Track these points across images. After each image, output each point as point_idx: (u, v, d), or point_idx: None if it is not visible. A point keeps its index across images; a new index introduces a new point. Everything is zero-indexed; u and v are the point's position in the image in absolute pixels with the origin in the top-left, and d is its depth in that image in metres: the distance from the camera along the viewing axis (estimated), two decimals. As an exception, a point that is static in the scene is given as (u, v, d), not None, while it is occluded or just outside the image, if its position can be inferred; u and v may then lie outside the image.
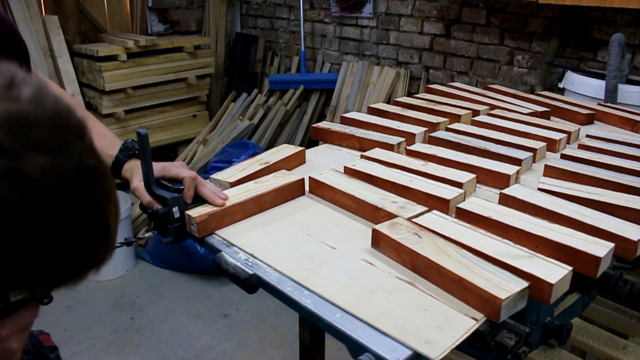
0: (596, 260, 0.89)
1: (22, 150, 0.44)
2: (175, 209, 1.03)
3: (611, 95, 2.10)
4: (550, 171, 1.28)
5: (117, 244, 0.60)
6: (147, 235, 1.08)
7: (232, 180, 1.21)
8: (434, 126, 1.57)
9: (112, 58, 3.56)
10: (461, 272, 0.83)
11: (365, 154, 1.36)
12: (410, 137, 1.49)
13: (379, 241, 0.97)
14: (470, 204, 1.07)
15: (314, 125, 1.61)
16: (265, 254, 0.98)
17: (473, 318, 0.80)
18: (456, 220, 1.02)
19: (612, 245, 0.92)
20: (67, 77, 3.56)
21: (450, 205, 1.09)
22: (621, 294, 1.08)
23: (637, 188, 1.16)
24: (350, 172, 1.25)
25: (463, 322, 0.79)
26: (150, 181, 1.03)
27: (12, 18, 3.31)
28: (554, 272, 0.84)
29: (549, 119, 1.75)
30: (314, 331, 1.47)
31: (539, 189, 1.16)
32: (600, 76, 2.26)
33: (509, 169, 1.25)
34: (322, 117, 4.07)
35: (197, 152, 3.85)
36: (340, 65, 3.94)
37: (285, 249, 1.00)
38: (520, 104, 1.83)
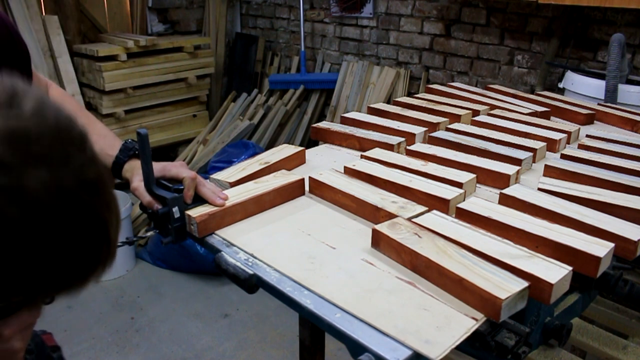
0: (596, 260, 0.89)
1: (24, 166, 0.45)
2: (175, 209, 1.03)
3: (611, 95, 2.10)
4: (550, 171, 1.28)
5: (119, 243, 0.60)
6: (149, 234, 1.08)
7: (232, 180, 1.21)
8: (434, 126, 1.57)
9: (112, 58, 3.56)
10: (461, 272, 0.83)
11: (365, 154, 1.36)
12: (410, 137, 1.49)
13: (379, 241, 0.97)
14: (470, 204, 1.07)
15: (314, 125, 1.61)
16: (265, 254, 0.98)
17: (473, 318, 0.80)
18: (456, 220, 1.02)
19: (612, 245, 0.92)
20: (67, 77, 3.56)
21: (450, 205, 1.09)
22: (621, 294, 1.08)
23: (637, 188, 1.16)
24: (350, 172, 1.25)
25: (463, 322, 0.79)
26: (150, 181, 1.03)
27: (12, 18, 3.31)
28: (554, 272, 0.84)
29: (549, 119, 1.75)
30: (314, 331, 1.47)
31: (539, 189, 1.16)
32: (600, 76, 2.26)
33: (509, 169, 1.25)
34: (322, 117, 4.07)
35: (197, 152, 3.85)
36: (340, 65, 3.94)
37: (285, 249, 1.00)
38: (520, 104, 1.83)
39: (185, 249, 2.86)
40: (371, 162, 1.30)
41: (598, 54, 2.72)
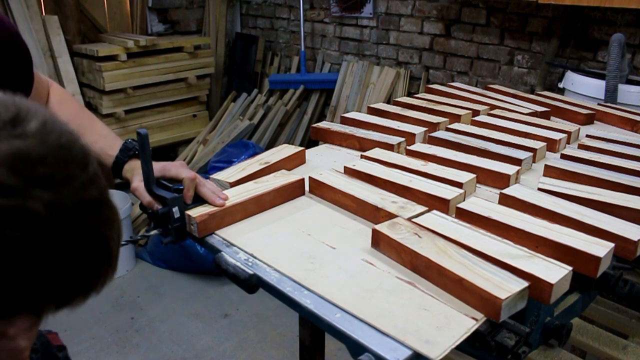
0: (596, 260, 0.89)
1: (26, 188, 0.46)
2: (175, 209, 1.03)
3: (611, 95, 2.10)
4: (550, 171, 1.28)
5: (123, 242, 0.61)
6: (152, 232, 1.08)
7: (232, 180, 1.21)
8: (434, 126, 1.57)
9: (112, 58, 3.56)
10: (461, 272, 0.83)
11: (365, 154, 1.36)
12: (410, 137, 1.49)
13: (379, 241, 0.97)
14: (470, 204, 1.07)
15: (314, 125, 1.61)
16: (265, 254, 0.98)
17: (473, 318, 0.80)
18: (456, 220, 1.02)
19: (612, 245, 0.92)
20: (67, 77, 3.56)
21: (450, 205, 1.09)
22: (621, 294, 1.08)
23: (637, 188, 1.16)
24: (350, 172, 1.25)
25: (463, 322, 0.79)
26: (150, 181, 1.03)
27: (12, 18, 3.31)
28: (554, 272, 0.84)
29: (549, 119, 1.75)
30: (314, 331, 1.47)
31: (539, 189, 1.16)
32: (600, 76, 2.26)
33: (509, 169, 1.25)
34: (322, 117, 4.07)
35: (197, 152, 3.85)
36: (340, 65, 3.94)
37: (285, 249, 1.00)
38: (520, 104, 1.83)
39: (185, 249, 2.86)
40: (371, 162, 1.30)
41: (598, 54, 2.72)
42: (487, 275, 0.83)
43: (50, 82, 1.19)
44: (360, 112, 1.73)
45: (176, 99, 4.00)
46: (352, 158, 1.42)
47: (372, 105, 1.76)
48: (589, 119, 1.78)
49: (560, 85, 2.48)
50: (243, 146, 3.29)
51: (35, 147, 0.47)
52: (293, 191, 1.20)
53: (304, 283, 0.89)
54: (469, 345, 0.81)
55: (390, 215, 1.04)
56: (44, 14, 3.57)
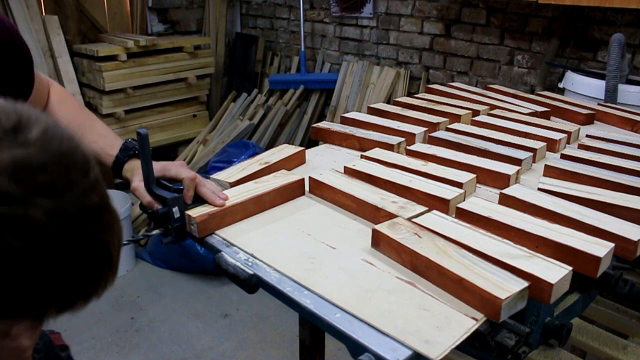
0: (596, 260, 0.89)
1: (28, 196, 0.46)
2: (175, 209, 1.03)
3: (611, 95, 2.10)
4: (550, 171, 1.28)
5: (125, 242, 0.61)
6: (154, 232, 1.07)
7: (232, 180, 1.21)
8: (434, 126, 1.57)
9: (112, 58, 3.56)
10: (461, 272, 0.83)
11: (365, 154, 1.36)
12: (410, 137, 1.49)
13: (379, 241, 0.97)
14: (470, 204, 1.07)
15: (314, 125, 1.61)
16: (265, 254, 0.98)
17: (473, 318, 0.80)
18: (456, 220, 1.02)
19: (612, 245, 0.92)
20: (67, 77, 3.56)
21: (450, 205, 1.09)
22: (621, 294, 1.08)
23: (637, 188, 1.16)
24: (350, 172, 1.25)
25: (463, 322, 0.79)
26: (150, 181, 1.03)
27: (12, 18, 3.31)
28: (554, 272, 0.84)
29: (549, 119, 1.75)
30: (314, 331, 1.47)
31: (539, 189, 1.16)
32: (600, 76, 2.26)
33: (509, 169, 1.25)
34: (322, 117, 4.07)
35: (197, 152, 3.85)
36: (340, 65, 3.94)
37: (285, 249, 1.00)
38: (520, 104, 1.83)
39: (185, 249, 2.86)
40: (371, 162, 1.30)
41: (598, 54, 2.72)
42: (487, 275, 0.83)
43: (51, 81, 1.19)
44: (360, 112, 1.73)
45: (176, 99, 4.00)
46: (352, 158, 1.42)
47: (372, 105, 1.76)
48: (589, 119, 1.78)
49: (560, 85, 2.48)
50: (243, 146, 3.29)
51: (36, 155, 0.48)
52: (293, 191, 1.20)
53: (304, 283, 0.89)
54: (469, 345, 0.81)
55: (390, 215, 1.04)
56: (44, 14, 3.57)
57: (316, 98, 4.02)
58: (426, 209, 1.07)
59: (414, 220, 1.01)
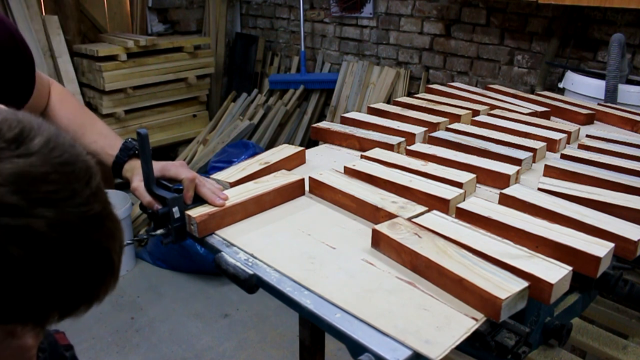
0: (596, 260, 0.89)
1: (30, 207, 0.46)
2: (175, 209, 1.03)
3: (611, 95, 2.10)
4: (550, 171, 1.28)
5: (128, 242, 0.62)
6: (158, 232, 1.07)
7: (232, 180, 1.21)
8: (434, 126, 1.57)
9: (112, 58, 3.56)
10: (461, 272, 0.83)
11: (365, 154, 1.36)
12: (410, 137, 1.49)
13: (379, 241, 0.97)
14: (470, 204, 1.07)
15: (314, 125, 1.61)
16: (265, 254, 0.98)
17: (473, 318, 0.80)
18: (456, 220, 1.02)
19: (612, 245, 0.92)
20: (67, 77, 3.56)
21: (450, 205, 1.09)
22: (621, 294, 1.08)
23: (637, 188, 1.16)
24: (350, 172, 1.25)
25: (463, 322, 0.79)
26: (150, 181, 1.03)
27: (12, 18, 3.31)
28: (554, 272, 0.84)
29: (549, 119, 1.75)
30: (314, 331, 1.47)
31: (539, 189, 1.16)
32: (600, 76, 2.26)
33: (509, 169, 1.25)
34: (322, 117, 4.07)
35: (197, 152, 3.85)
36: (340, 65, 3.94)
37: (285, 249, 1.00)
38: (520, 104, 1.83)
39: (185, 249, 2.86)
40: (371, 162, 1.30)
41: (598, 54, 2.72)
42: (487, 275, 0.83)
43: (51, 81, 1.20)
44: (360, 112, 1.73)
45: (176, 99, 4.00)
46: (352, 158, 1.42)
47: (372, 105, 1.76)
48: (589, 119, 1.78)
49: (560, 85, 2.48)
50: (243, 146, 3.29)
51: (38, 166, 0.48)
52: (293, 191, 1.20)
53: (304, 283, 0.89)
54: (469, 345, 0.81)
55: (390, 215, 1.04)
56: (44, 14, 3.57)
57: (316, 98, 4.02)
58: (426, 209, 1.07)
59: (414, 220, 1.01)
